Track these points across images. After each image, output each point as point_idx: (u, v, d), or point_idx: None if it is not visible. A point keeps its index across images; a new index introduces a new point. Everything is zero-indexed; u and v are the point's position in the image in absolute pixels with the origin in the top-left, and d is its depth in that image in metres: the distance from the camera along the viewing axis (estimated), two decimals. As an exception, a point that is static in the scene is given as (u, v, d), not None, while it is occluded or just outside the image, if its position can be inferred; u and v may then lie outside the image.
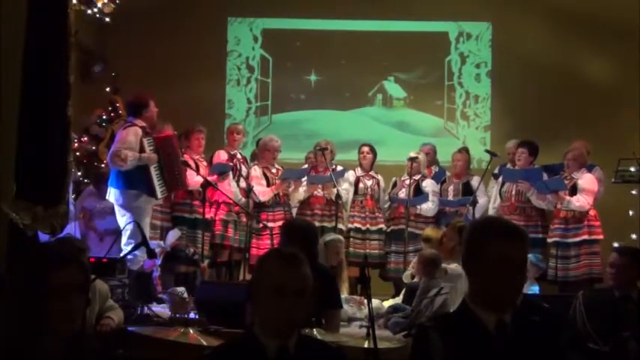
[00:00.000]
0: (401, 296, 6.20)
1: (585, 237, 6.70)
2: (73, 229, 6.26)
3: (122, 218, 6.20)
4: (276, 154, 7.36)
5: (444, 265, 5.74)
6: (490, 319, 2.15)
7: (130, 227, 5.90)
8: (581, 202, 6.70)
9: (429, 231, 6.61)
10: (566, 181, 6.83)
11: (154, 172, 6.24)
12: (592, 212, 6.78)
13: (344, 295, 5.95)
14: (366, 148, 7.59)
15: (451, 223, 6.44)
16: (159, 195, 6.31)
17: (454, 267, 5.81)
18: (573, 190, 6.79)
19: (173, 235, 6.57)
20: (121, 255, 5.83)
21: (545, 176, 7.01)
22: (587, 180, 6.83)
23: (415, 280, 6.15)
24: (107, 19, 8.19)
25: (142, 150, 6.20)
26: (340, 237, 6.45)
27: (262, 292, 2.21)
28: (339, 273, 6.10)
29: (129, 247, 6.01)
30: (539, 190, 6.84)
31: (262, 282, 2.23)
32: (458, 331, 2.15)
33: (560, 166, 7.20)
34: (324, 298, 3.82)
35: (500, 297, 2.15)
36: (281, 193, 7.22)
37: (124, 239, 6.07)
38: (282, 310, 2.16)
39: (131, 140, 6.15)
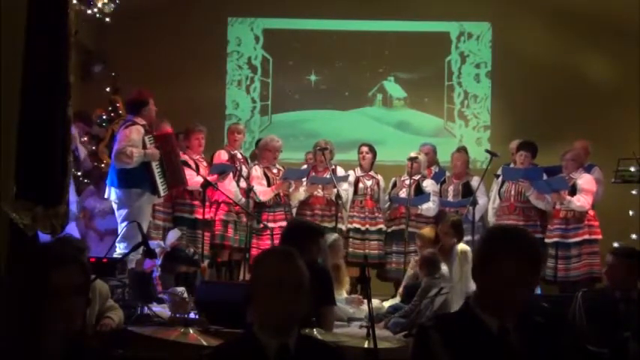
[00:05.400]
0: (398, 296, 6.22)
1: (586, 236, 6.73)
2: (73, 229, 6.27)
3: (121, 217, 6.20)
4: (277, 154, 7.36)
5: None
6: (492, 322, 2.15)
7: (125, 226, 5.91)
8: (581, 202, 6.71)
9: (424, 229, 6.64)
10: (565, 181, 6.86)
11: (155, 170, 6.25)
12: (590, 212, 6.80)
13: (344, 295, 5.96)
14: (365, 148, 7.59)
15: (446, 218, 6.44)
16: (161, 193, 6.33)
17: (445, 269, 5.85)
18: (572, 191, 6.80)
19: (173, 235, 6.57)
20: (120, 255, 5.84)
21: (544, 177, 7.01)
22: (586, 180, 6.84)
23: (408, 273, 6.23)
24: (107, 19, 8.19)
25: (143, 148, 6.22)
26: (338, 235, 6.48)
27: (260, 289, 2.22)
28: (338, 273, 6.11)
29: (121, 246, 6.02)
30: (541, 189, 6.84)
31: (260, 279, 2.25)
32: (459, 331, 2.15)
33: (558, 168, 7.21)
34: (318, 295, 3.82)
35: (506, 312, 2.17)
36: (281, 194, 7.22)
37: (118, 238, 6.08)
38: (281, 306, 2.18)
39: (135, 138, 6.16)
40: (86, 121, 7.88)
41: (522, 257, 2.15)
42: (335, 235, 6.28)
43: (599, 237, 6.78)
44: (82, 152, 7.59)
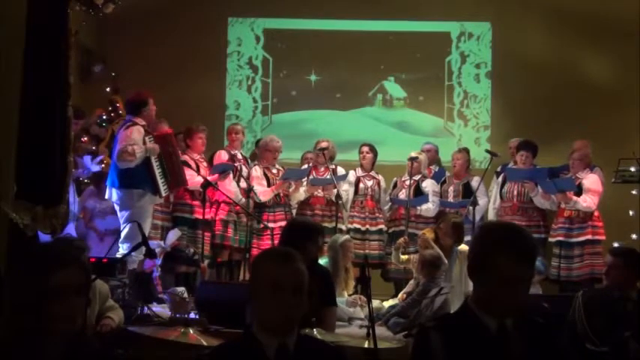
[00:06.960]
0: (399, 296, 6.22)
1: (589, 237, 6.72)
2: (71, 229, 6.27)
3: (124, 219, 6.20)
4: (276, 155, 7.36)
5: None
6: (492, 323, 2.14)
7: (127, 227, 5.91)
8: (588, 202, 6.70)
9: (425, 230, 6.63)
10: (571, 182, 6.84)
11: (156, 170, 6.25)
12: (595, 213, 6.80)
13: (345, 297, 5.96)
14: (365, 148, 7.59)
15: (446, 218, 6.42)
16: (162, 193, 6.33)
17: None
18: (577, 191, 6.79)
19: (173, 235, 6.58)
20: (121, 255, 5.84)
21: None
22: (592, 180, 6.83)
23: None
24: (107, 19, 8.19)
25: (144, 146, 6.24)
26: (349, 236, 6.50)
27: (260, 290, 2.22)
28: (347, 275, 6.13)
29: (124, 246, 6.03)
30: (547, 189, 6.83)
31: (259, 280, 2.25)
32: (459, 331, 2.14)
33: (561, 168, 7.18)
34: (320, 296, 3.82)
35: (504, 311, 2.15)
36: (281, 194, 7.22)
37: (120, 238, 6.08)
38: (281, 307, 2.18)
39: (136, 137, 6.17)
40: (78, 116, 7.76)
41: (520, 255, 2.12)
42: (346, 236, 6.30)
43: (603, 238, 6.77)
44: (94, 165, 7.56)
